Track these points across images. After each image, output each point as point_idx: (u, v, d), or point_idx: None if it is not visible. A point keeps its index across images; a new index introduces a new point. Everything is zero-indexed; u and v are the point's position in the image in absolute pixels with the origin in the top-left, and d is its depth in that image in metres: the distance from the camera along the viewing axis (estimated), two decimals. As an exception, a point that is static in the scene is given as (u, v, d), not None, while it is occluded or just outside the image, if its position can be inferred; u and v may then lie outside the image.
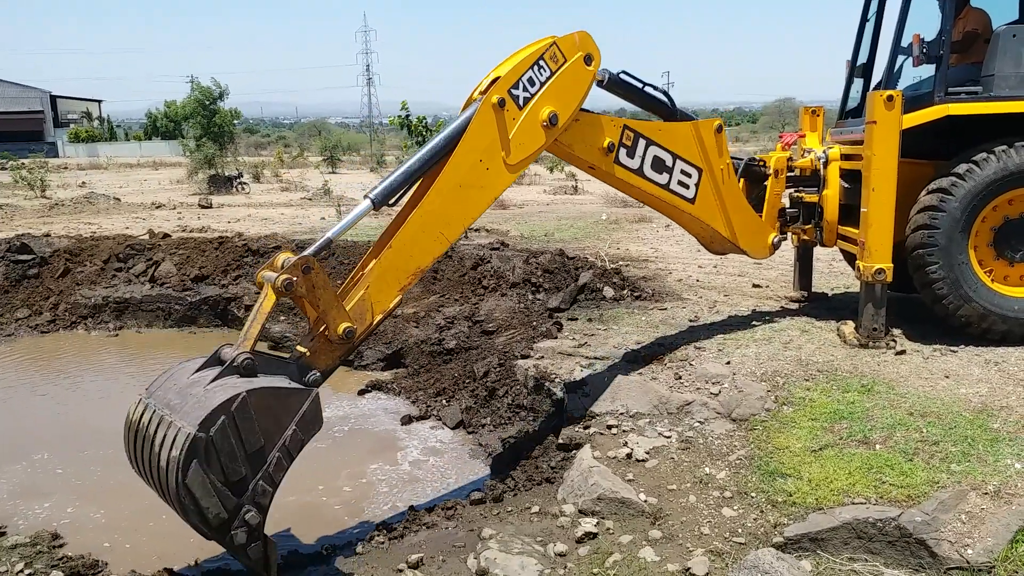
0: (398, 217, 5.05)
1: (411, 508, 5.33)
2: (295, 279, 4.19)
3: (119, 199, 21.62)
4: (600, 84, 6.08)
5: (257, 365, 4.09)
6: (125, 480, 6.14)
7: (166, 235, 13.24)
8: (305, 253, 4.34)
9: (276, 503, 5.65)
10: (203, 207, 19.36)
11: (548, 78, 5.27)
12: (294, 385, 4.17)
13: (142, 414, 4.08)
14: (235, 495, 3.87)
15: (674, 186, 6.29)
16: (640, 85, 6.37)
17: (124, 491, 5.97)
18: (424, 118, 24.26)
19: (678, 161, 6.27)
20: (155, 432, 3.91)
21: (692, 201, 6.41)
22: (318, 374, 4.40)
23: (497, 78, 5.17)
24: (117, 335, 10.95)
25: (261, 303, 4.19)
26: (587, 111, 5.71)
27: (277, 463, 4.01)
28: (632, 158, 6.00)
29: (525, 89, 5.21)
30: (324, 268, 4.41)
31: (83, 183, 29.58)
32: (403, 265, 4.80)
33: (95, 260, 12.28)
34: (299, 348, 4.49)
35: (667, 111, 6.53)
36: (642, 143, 6.05)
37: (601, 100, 6.52)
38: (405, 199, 5.04)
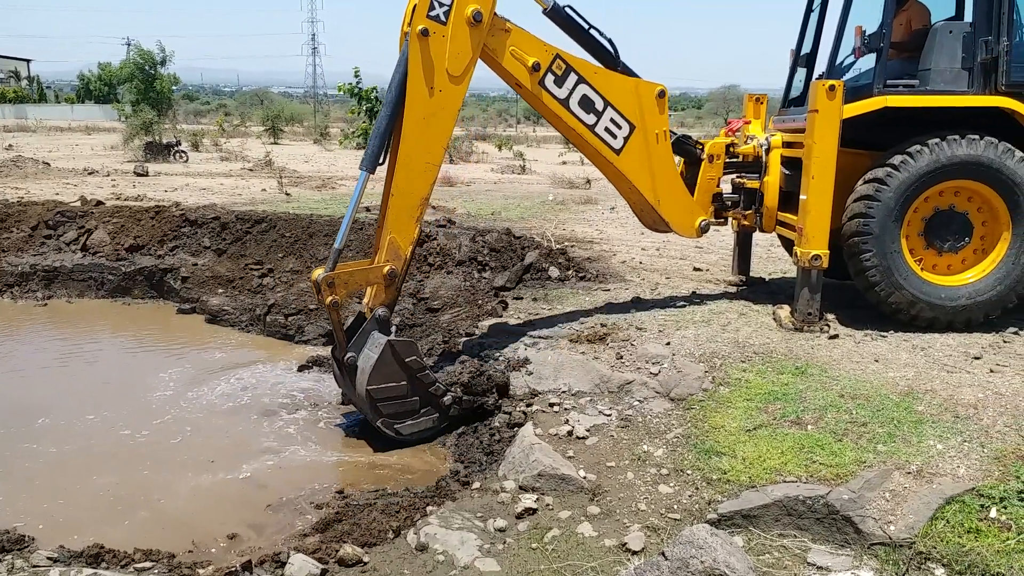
0: (389, 168, 5.78)
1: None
2: (333, 296, 5.48)
3: (49, 164, 20.71)
4: (544, 12, 6.23)
5: (355, 354, 5.63)
6: (45, 456, 5.94)
7: (99, 202, 12.75)
8: (326, 272, 5.49)
9: (214, 482, 5.54)
10: (139, 175, 18.68)
11: None
12: (379, 348, 5.56)
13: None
14: (430, 401, 5.76)
15: (600, 131, 6.40)
16: (586, 26, 6.38)
17: (43, 468, 5.76)
18: (375, 88, 23.71)
19: (609, 108, 6.37)
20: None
21: (618, 153, 6.51)
22: (384, 310, 5.77)
23: (416, 5, 5.39)
24: (46, 304, 10.53)
25: (332, 319, 5.66)
26: (519, 28, 5.90)
27: (423, 377, 5.70)
28: (559, 88, 6.17)
29: (440, 4, 5.42)
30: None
31: (10, 146, 28.27)
32: (409, 202, 5.75)
33: (22, 226, 11.78)
34: (365, 303, 5.90)
35: (610, 60, 6.53)
36: (573, 77, 6.18)
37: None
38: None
